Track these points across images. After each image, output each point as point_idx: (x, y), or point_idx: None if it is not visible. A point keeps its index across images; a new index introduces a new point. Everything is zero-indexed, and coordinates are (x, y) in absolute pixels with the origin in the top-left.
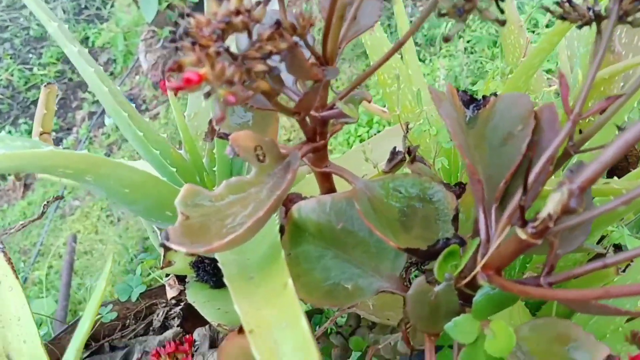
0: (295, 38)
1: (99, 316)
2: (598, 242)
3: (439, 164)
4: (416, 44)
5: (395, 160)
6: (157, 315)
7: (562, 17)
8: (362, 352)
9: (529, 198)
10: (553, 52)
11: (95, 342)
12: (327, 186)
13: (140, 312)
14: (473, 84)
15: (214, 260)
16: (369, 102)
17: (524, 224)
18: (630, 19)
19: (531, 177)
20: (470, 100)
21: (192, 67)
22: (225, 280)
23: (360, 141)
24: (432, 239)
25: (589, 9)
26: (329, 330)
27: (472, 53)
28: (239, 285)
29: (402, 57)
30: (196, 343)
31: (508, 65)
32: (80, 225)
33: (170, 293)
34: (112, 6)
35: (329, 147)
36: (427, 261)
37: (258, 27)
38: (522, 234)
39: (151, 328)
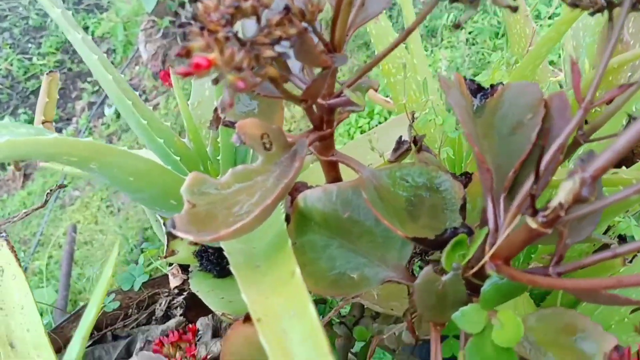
0: (304, 24)
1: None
2: (604, 233)
3: (444, 154)
4: None
5: (401, 149)
6: (160, 305)
7: (574, 4)
8: (366, 342)
9: (540, 187)
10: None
11: (98, 331)
12: (333, 175)
13: (143, 302)
14: (475, 75)
15: (218, 250)
16: (376, 90)
17: (534, 213)
18: None
19: (542, 166)
20: (477, 89)
21: (200, 52)
22: (231, 268)
23: (361, 132)
24: (440, 229)
25: None
26: (332, 321)
27: (473, 44)
28: (246, 274)
29: (406, 47)
30: (199, 332)
31: (513, 55)
32: (80, 216)
33: (174, 282)
34: None
35: None
36: (432, 251)
37: (267, 12)
38: (532, 223)
39: (154, 317)
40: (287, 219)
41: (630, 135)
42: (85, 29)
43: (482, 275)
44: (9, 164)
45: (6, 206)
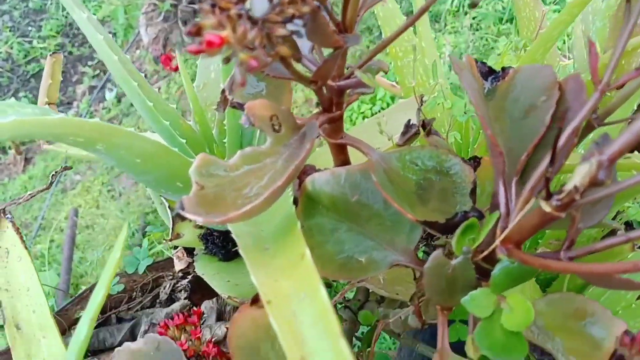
0: (316, 2)
1: None
2: (612, 219)
3: (451, 139)
4: None
5: (409, 133)
6: (164, 288)
7: None
8: (371, 327)
9: (555, 169)
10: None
11: (102, 314)
12: (342, 158)
13: (147, 285)
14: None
15: (224, 233)
16: (386, 72)
17: (548, 196)
18: None
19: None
20: (488, 72)
21: (211, 30)
22: (240, 251)
23: (363, 118)
24: (450, 212)
25: None
26: (337, 305)
27: (477, 30)
28: (255, 257)
29: (414, 30)
30: (204, 316)
31: (522, 39)
32: (82, 200)
33: (179, 265)
34: None
35: None
36: (438, 236)
37: None
38: (546, 207)
39: (158, 300)
40: (295, 202)
41: None
42: None
43: (492, 259)
44: (9, 148)
45: (7, 190)
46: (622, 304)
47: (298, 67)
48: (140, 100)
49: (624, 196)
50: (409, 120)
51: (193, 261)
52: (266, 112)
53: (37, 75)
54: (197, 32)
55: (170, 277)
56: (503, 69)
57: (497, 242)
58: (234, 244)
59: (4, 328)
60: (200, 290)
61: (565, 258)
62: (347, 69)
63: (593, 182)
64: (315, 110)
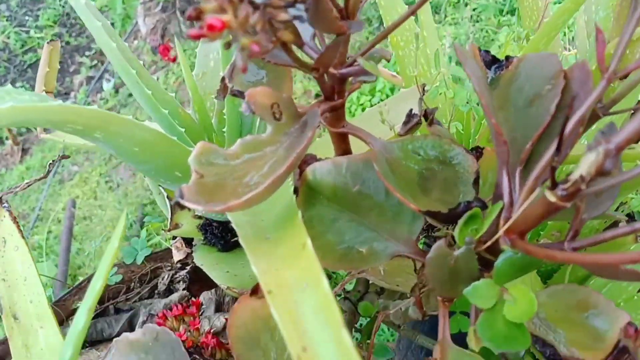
0: None
1: None
2: (615, 210)
3: (453, 129)
4: None
5: (411, 123)
6: (162, 279)
7: None
8: (371, 318)
9: (561, 158)
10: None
11: (100, 304)
12: (343, 148)
13: (145, 275)
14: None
15: (223, 224)
16: (388, 60)
17: (554, 186)
18: None
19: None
20: (492, 61)
21: (212, 14)
22: (240, 241)
23: (363, 110)
24: (452, 202)
25: None
26: (337, 296)
27: (477, 21)
28: (255, 246)
29: (416, 19)
30: (202, 307)
31: (524, 29)
32: (79, 191)
33: (177, 256)
34: None
35: None
36: (438, 227)
37: None
38: (551, 197)
39: (156, 291)
40: (295, 191)
41: None
42: None
43: (495, 250)
44: (6, 138)
45: (5, 180)
46: (624, 296)
47: (299, 54)
48: (139, 88)
49: (628, 187)
50: (411, 110)
51: (192, 252)
52: (267, 100)
53: (34, 65)
54: (198, 16)
55: (169, 268)
56: (507, 57)
57: (501, 232)
58: (233, 235)
59: (1, 318)
60: (199, 281)
61: (569, 249)
62: (348, 58)
63: (599, 172)
64: (315, 101)
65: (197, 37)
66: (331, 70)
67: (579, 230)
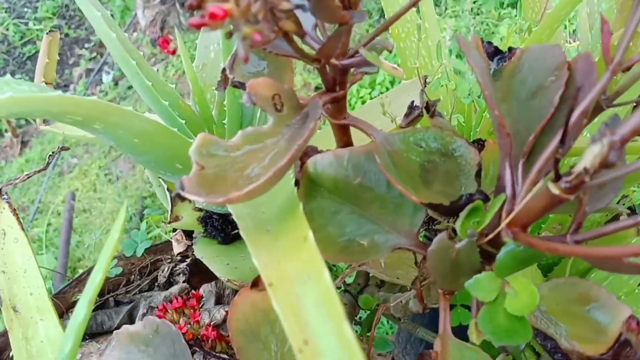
0: None
1: None
2: (617, 203)
3: (454, 121)
4: None
5: (412, 114)
6: (162, 271)
7: None
8: (371, 311)
9: (564, 150)
10: None
11: (100, 296)
12: (345, 140)
13: (145, 268)
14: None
15: (223, 216)
16: (390, 52)
17: (557, 178)
18: None
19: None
20: (495, 52)
21: (214, 2)
22: (241, 233)
23: (363, 103)
24: (454, 195)
25: None
26: (337, 289)
27: (478, 14)
28: (256, 239)
29: (418, 10)
30: (202, 299)
31: (526, 21)
32: (79, 183)
33: (177, 249)
34: None
35: None
36: (442, 219)
37: None
38: (554, 189)
39: (156, 284)
40: (296, 184)
41: None
42: None
43: (496, 243)
44: (6, 130)
45: (4, 173)
46: (625, 289)
47: (301, 45)
48: (139, 79)
49: (630, 180)
50: (413, 102)
51: (192, 244)
52: (268, 91)
53: (33, 57)
54: (199, 5)
55: (169, 260)
56: (510, 49)
57: (503, 225)
58: (233, 227)
59: (1, 310)
60: (199, 273)
61: (572, 241)
62: (350, 49)
63: (604, 164)
64: (315, 93)
65: (198, 26)
66: (333, 61)
67: (581, 223)
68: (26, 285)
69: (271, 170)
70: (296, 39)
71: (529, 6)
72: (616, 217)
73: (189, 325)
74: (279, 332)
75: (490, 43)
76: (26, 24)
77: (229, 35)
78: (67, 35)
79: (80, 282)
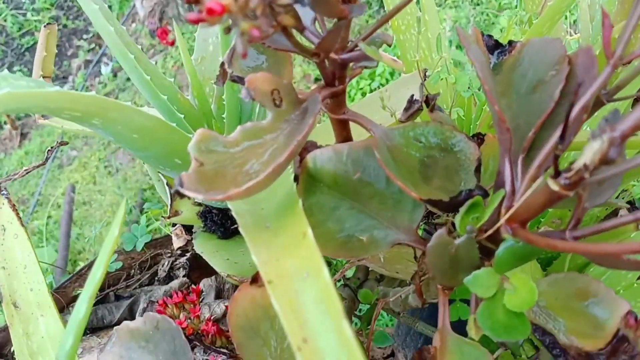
0: None
1: None
2: (616, 197)
3: (454, 115)
4: None
5: (412, 108)
6: (162, 266)
7: None
8: (371, 305)
9: (565, 146)
10: None
11: (100, 291)
12: (344, 134)
13: (145, 262)
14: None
15: (222, 211)
16: (389, 45)
17: (557, 174)
18: None
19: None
20: (495, 46)
21: None
22: (240, 230)
23: (363, 94)
24: (453, 190)
25: None
26: (336, 283)
27: (478, 4)
28: (256, 236)
29: (418, 2)
30: (202, 293)
31: (527, 12)
32: (79, 176)
33: (177, 243)
34: None
35: None
36: (439, 214)
37: None
38: (554, 185)
39: (156, 278)
40: (295, 179)
41: None
42: None
43: (496, 239)
44: (5, 123)
45: (3, 165)
46: (623, 283)
47: (300, 39)
48: (138, 73)
49: (630, 174)
50: (412, 96)
51: (192, 239)
52: (267, 86)
53: (32, 49)
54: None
55: (169, 255)
56: (510, 42)
57: (502, 221)
58: (233, 222)
59: (2, 306)
60: (199, 268)
61: (571, 238)
62: (349, 43)
63: (603, 160)
64: (314, 87)
65: (196, 22)
66: (332, 55)
67: (580, 219)
68: (26, 281)
69: (270, 166)
70: (295, 32)
71: None
72: (615, 211)
73: (189, 320)
74: (278, 328)
75: (490, 36)
76: (24, 14)
77: (227, 30)
78: (65, 26)
79: (80, 277)
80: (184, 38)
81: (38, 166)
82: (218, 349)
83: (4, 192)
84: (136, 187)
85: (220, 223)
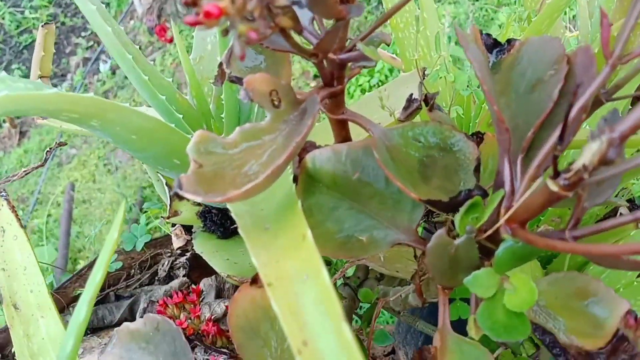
0: None
1: None
2: (615, 196)
3: (453, 113)
4: None
5: (411, 108)
6: (162, 265)
7: None
8: (371, 304)
9: (563, 146)
10: None
11: (101, 291)
12: (343, 134)
13: (145, 262)
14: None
15: (222, 211)
16: (388, 44)
17: (556, 174)
18: None
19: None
20: (493, 45)
21: (209, 0)
22: (240, 231)
23: (362, 91)
24: (452, 190)
25: None
26: (336, 282)
27: (477, 0)
28: (255, 237)
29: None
30: (202, 293)
31: (526, 9)
32: (78, 174)
33: (177, 243)
34: None
35: None
36: (441, 213)
37: None
38: (553, 186)
39: (156, 278)
40: (294, 180)
41: None
42: None
43: (495, 239)
44: (4, 121)
45: (2, 164)
46: (623, 281)
47: (298, 39)
48: (136, 73)
49: (630, 173)
50: (411, 95)
51: (191, 239)
52: (266, 87)
53: (30, 47)
54: (194, 1)
55: (169, 255)
56: (508, 41)
57: (502, 221)
58: (233, 222)
59: (2, 307)
60: (199, 267)
61: (571, 238)
62: (348, 41)
63: (602, 161)
64: (313, 84)
65: (193, 24)
66: (330, 55)
67: (580, 219)
68: (26, 283)
69: (269, 168)
70: (293, 33)
71: None
72: (615, 209)
73: (189, 321)
74: (278, 329)
75: (489, 35)
76: (22, 12)
77: (225, 32)
78: (63, 23)
79: (80, 277)
80: (182, 36)
81: (36, 167)
82: (219, 349)
83: (3, 193)
84: (136, 185)
85: (220, 223)
